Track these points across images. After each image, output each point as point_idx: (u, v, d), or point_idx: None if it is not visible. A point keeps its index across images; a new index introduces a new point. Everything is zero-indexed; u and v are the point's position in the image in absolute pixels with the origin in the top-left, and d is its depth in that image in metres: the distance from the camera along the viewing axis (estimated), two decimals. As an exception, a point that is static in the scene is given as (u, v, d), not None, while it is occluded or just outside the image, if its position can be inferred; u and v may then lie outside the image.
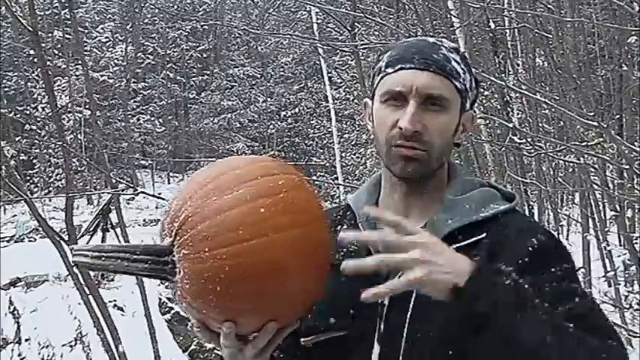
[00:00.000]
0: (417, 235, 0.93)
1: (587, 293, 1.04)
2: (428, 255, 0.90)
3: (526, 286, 0.94)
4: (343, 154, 16.20)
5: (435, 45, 1.15)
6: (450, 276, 0.90)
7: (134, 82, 28.40)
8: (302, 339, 1.14)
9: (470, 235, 1.09)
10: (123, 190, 11.26)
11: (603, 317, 1.02)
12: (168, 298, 12.12)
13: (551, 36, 5.18)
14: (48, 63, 11.58)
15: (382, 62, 1.17)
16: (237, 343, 1.02)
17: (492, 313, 0.90)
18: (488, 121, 6.25)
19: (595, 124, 3.67)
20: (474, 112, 1.24)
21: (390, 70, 1.14)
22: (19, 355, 10.39)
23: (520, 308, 0.91)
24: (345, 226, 1.21)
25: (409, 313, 1.07)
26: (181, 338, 11.45)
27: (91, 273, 8.40)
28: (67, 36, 23.04)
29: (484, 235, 1.09)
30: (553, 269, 1.03)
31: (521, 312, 0.91)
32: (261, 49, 30.90)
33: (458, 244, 1.07)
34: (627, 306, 7.84)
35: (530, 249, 1.05)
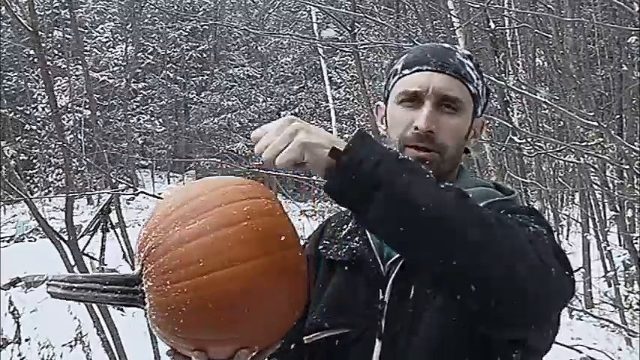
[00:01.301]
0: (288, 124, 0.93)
1: (539, 232, 0.99)
2: (302, 130, 0.91)
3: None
4: (343, 154, 16.15)
5: (451, 50, 1.19)
6: (324, 141, 0.91)
7: (134, 82, 28.40)
8: (305, 337, 1.14)
9: None
10: (123, 190, 11.24)
11: (544, 240, 0.97)
12: (168, 298, 12.13)
13: (551, 36, 5.18)
14: (48, 63, 11.58)
15: (398, 65, 1.19)
16: None
17: (377, 173, 0.87)
18: (488, 121, 6.25)
19: (595, 124, 3.67)
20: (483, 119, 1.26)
21: (406, 71, 1.16)
22: (19, 355, 10.37)
23: (409, 171, 0.88)
24: (350, 224, 1.23)
25: (410, 311, 1.07)
26: (181, 338, 11.45)
27: (91, 273, 8.40)
28: (67, 36, 23.04)
29: None
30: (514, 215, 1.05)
31: (411, 174, 0.88)
32: (261, 49, 30.88)
33: None
34: (627, 306, 7.84)
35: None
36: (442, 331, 1.03)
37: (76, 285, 1.02)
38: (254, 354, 1.02)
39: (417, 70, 1.15)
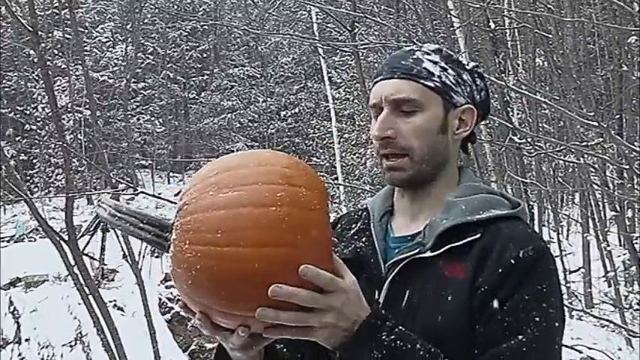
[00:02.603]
0: (333, 298, 0.97)
1: (545, 321, 1.02)
2: (333, 321, 0.98)
3: (408, 345, 0.99)
4: (343, 154, 16.19)
5: (410, 51, 1.20)
6: (332, 338, 0.99)
7: (134, 82, 28.39)
8: None
9: (465, 235, 1.10)
10: (123, 190, 11.25)
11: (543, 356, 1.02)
12: (169, 298, 12.12)
13: (551, 36, 5.18)
14: (48, 63, 11.54)
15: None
16: (220, 333, 1.01)
17: None
18: (488, 121, 6.25)
19: (595, 124, 3.67)
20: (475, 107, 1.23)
21: (371, 86, 1.21)
22: (19, 355, 10.38)
23: None
24: (359, 224, 1.26)
25: (402, 313, 1.09)
26: (181, 338, 11.46)
27: (91, 273, 8.40)
28: (67, 36, 23.03)
29: (478, 236, 1.09)
30: (523, 291, 1.03)
31: None
32: (261, 49, 30.91)
33: (452, 244, 1.09)
34: (627, 306, 7.85)
35: (511, 262, 1.05)
36: (430, 336, 1.04)
37: (119, 214, 1.06)
38: (262, 336, 1.01)
39: (375, 83, 1.19)
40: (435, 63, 1.17)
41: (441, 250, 1.09)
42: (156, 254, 12.61)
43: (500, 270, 1.04)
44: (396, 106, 1.15)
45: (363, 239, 1.22)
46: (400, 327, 1.01)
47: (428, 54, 1.19)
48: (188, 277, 0.96)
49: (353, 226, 1.27)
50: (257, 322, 0.97)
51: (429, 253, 1.10)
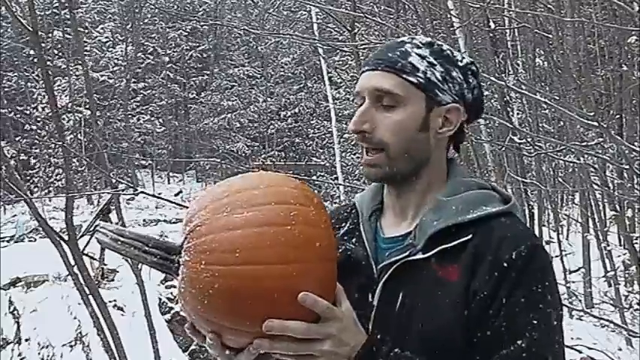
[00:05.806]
0: (329, 326, 0.99)
1: (544, 323, 1.02)
2: (331, 348, 0.99)
3: None
4: (343, 154, 16.19)
5: (400, 43, 1.16)
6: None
7: (134, 82, 28.38)
8: None
9: (457, 236, 1.08)
10: (123, 190, 11.26)
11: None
12: (169, 298, 12.12)
13: (551, 36, 5.18)
14: (48, 63, 11.56)
15: None
16: (226, 354, 1.02)
17: None
18: (488, 121, 6.25)
19: (595, 124, 3.67)
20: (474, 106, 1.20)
21: (359, 75, 1.19)
22: (19, 355, 10.37)
23: None
24: (348, 223, 1.24)
25: (396, 317, 1.08)
26: (181, 338, 11.44)
27: (91, 273, 8.40)
28: (67, 36, 23.02)
29: (470, 237, 1.07)
30: (518, 293, 1.02)
31: None
32: (261, 49, 30.89)
33: (444, 246, 1.07)
34: (627, 306, 7.85)
35: (504, 265, 1.03)
36: (425, 339, 1.03)
37: (121, 239, 1.06)
38: (269, 354, 1.02)
39: (362, 72, 1.17)
40: (423, 57, 1.13)
41: (433, 251, 1.07)
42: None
43: (495, 273, 1.03)
44: (377, 100, 1.12)
45: (353, 240, 1.19)
46: (396, 350, 1.02)
47: (418, 47, 1.14)
48: (204, 297, 0.97)
49: (342, 225, 1.24)
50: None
51: (420, 255, 1.08)
